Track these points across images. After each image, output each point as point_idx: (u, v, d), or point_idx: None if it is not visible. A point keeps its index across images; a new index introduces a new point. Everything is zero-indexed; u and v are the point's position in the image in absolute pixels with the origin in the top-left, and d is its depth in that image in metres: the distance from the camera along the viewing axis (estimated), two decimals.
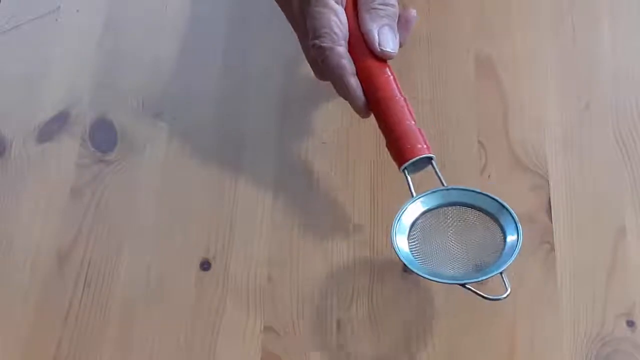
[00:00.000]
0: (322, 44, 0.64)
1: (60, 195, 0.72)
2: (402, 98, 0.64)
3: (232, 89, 0.76)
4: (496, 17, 0.75)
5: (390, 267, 0.67)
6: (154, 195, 0.71)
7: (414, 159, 0.62)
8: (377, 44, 0.65)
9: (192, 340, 0.65)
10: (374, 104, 0.64)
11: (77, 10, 0.81)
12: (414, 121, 0.63)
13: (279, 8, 0.69)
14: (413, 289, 0.66)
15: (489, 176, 0.70)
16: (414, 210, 0.62)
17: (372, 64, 0.65)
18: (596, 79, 0.74)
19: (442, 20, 0.78)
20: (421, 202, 0.62)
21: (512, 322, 0.64)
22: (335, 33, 0.64)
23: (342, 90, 0.65)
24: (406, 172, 0.63)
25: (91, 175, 0.72)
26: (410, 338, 0.64)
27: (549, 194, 0.69)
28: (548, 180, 0.69)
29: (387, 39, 0.65)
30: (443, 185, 0.63)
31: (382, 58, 0.65)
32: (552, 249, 0.67)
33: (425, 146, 0.63)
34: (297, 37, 0.68)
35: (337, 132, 0.73)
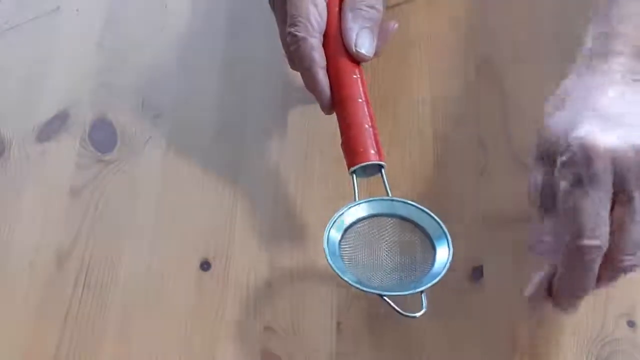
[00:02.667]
0: (297, 33, 0.64)
1: (60, 195, 0.72)
2: (365, 102, 0.64)
3: (232, 89, 0.76)
4: (496, 17, 0.75)
5: None
6: (153, 195, 0.71)
7: (363, 164, 0.62)
8: (353, 44, 0.65)
9: (192, 340, 0.65)
10: (337, 102, 0.65)
11: (77, 10, 0.81)
12: (373, 128, 0.63)
13: None
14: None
15: (488, 177, 0.69)
16: (354, 213, 0.62)
17: (344, 62, 0.65)
18: None
19: (443, 20, 0.78)
20: (363, 207, 0.62)
21: (512, 322, 0.64)
22: (311, 24, 0.64)
23: (309, 82, 0.65)
24: (354, 176, 0.63)
25: (91, 175, 0.72)
26: (409, 339, 0.64)
27: None
28: None
29: (364, 41, 0.65)
30: (388, 195, 0.63)
31: (355, 59, 0.65)
32: None
33: (375, 152, 0.63)
34: (275, 22, 0.68)
35: (337, 132, 0.73)
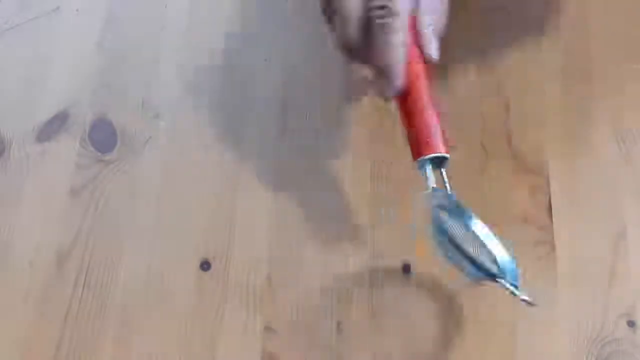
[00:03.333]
0: (392, 6, 0.62)
1: (60, 195, 0.72)
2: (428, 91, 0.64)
3: (232, 89, 0.76)
4: (496, 17, 0.75)
5: (390, 268, 0.67)
6: (154, 195, 0.71)
7: (432, 155, 0.61)
8: (428, 44, 0.64)
9: (192, 340, 0.65)
10: (406, 90, 0.63)
11: (77, 10, 0.81)
12: (438, 119, 0.63)
13: None
14: (413, 290, 0.66)
15: (488, 177, 0.69)
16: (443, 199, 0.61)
17: (414, 53, 0.64)
18: (596, 78, 0.74)
19: None
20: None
21: (512, 322, 0.64)
22: (407, 1, 0.63)
23: (391, 57, 0.62)
24: (427, 165, 0.62)
25: (91, 175, 0.72)
26: (409, 339, 0.64)
27: (549, 194, 0.69)
28: (548, 180, 0.69)
29: (435, 45, 0.65)
30: (447, 189, 0.62)
31: (426, 57, 0.64)
32: (552, 249, 0.67)
33: (443, 144, 0.62)
34: None
35: (337, 132, 0.73)
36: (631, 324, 0.63)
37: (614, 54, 0.75)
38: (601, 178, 0.69)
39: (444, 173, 0.62)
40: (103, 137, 0.74)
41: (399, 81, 0.62)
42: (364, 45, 0.63)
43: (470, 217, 0.59)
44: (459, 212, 0.60)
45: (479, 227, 0.59)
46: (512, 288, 0.57)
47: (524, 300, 0.57)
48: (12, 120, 0.76)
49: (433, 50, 0.64)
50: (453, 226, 0.60)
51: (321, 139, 0.73)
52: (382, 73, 0.63)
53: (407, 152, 0.71)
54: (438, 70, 0.72)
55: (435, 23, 0.65)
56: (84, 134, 0.74)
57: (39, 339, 0.66)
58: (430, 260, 0.67)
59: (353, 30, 0.63)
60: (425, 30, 0.64)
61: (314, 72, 0.76)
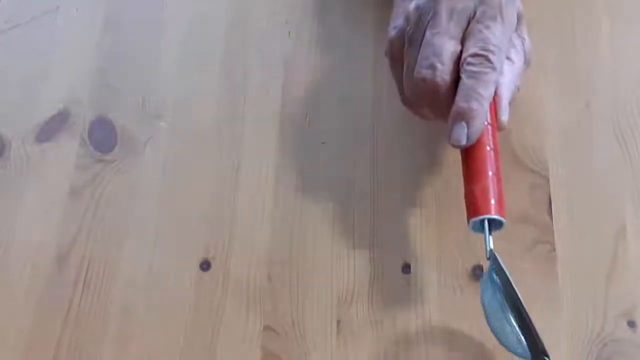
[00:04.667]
0: (493, 60, 0.62)
1: (60, 195, 0.71)
2: (494, 150, 0.63)
3: (232, 89, 0.75)
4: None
5: (390, 267, 0.67)
6: (154, 195, 0.71)
7: (483, 217, 0.60)
8: (503, 113, 0.65)
9: (192, 340, 0.65)
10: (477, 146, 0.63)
11: (77, 10, 0.81)
12: (498, 179, 0.62)
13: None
14: (413, 289, 0.66)
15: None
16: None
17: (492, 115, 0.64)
18: (596, 79, 0.74)
19: None
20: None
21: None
22: (503, 59, 0.64)
23: (473, 109, 0.61)
24: (486, 223, 0.61)
25: (91, 175, 0.72)
26: (409, 338, 0.64)
27: (549, 193, 0.69)
28: (548, 180, 0.69)
29: (507, 113, 0.65)
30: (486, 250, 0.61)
31: (500, 125, 0.65)
32: (552, 249, 0.67)
33: (496, 205, 0.61)
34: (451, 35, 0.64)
35: (337, 131, 0.73)
36: (631, 324, 0.63)
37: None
38: (601, 178, 0.69)
39: (491, 238, 0.61)
40: (103, 137, 0.74)
41: (477, 131, 0.62)
42: (449, 93, 0.62)
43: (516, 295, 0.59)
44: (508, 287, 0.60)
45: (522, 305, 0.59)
46: None
47: None
48: (12, 120, 0.75)
49: (506, 117, 0.65)
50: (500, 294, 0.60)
51: (322, 139, 0.72)
52: (463, 118, 0.62)
53: (407, 152, 0.71)
54: None
55: (512, 91, 0.66)
56: (84, 134, 0.74)
57: (39, 339, 0.66)
58: (430, 260, 0.67)
59: (446, 75, 0.62)
60: (505, 96, 0.65)
61: (314, 70, 0.76)
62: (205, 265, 0.68)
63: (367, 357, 0.64)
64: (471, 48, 0.62)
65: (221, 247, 0.68)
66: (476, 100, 0.61)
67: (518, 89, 0.67)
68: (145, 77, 0.77)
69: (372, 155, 0.71)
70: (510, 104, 0.66)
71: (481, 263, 0.66)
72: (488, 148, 0.62)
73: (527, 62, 0.68)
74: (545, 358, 0.59)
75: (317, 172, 0.71)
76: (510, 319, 0.60)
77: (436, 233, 0.68)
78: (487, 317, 0.60)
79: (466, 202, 0.62)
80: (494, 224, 0.61)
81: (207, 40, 0.78)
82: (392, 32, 0.66)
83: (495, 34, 0.62)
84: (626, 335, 0.63)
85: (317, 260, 0.68)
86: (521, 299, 0.59)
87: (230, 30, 0.78)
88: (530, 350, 0.59)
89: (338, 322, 0.65)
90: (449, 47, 0.62)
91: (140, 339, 0.65)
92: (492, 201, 0.61)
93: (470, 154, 0.63)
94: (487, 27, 0.63)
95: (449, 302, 0.65)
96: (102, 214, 0.70)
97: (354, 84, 0.75)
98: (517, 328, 0.59)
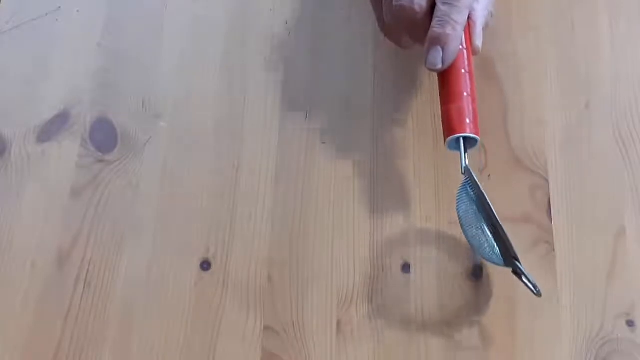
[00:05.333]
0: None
1: (61, 195, 0.72)
2: (468, 73, 0.67)
3: (232, 89, 0.76)
4: (496, 17, 0.75)
5: (390, 267, 0.67)
6: (154, 195, 0.71)
7: (458, 136, 0.64)
8: (477, 38, 0.68)
9: (192, 340, 0.65)
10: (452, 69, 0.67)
11: (77, 11, 0.81)
12: (473, 100, 0.66)
13: None
14: (413, 289, 0.66)
15: (489, 176, 0.69)
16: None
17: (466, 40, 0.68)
18: (596, 79, 0.74)
19: None
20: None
21: (512, 322, 0.64)
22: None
23: (448, 33, 0.65)
24: (461, 142, 0.64)
25: (91, 175, 0.72)
26: (409, 338, 0.64)
27: (549, 194, 0.69)
28: (548, 180, 0.69)
29: (481, 37, 0.68)
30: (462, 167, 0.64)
31: (474, 48, 0.68)
32: (552, 249, 0.67)
33: (471, 125, 0.65)
34: None
35: (337, 131, 0.73)
36: (630, 323, 0.63)
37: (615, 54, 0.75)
38: (601, 178, 0.69)
39: (466, 154, 0.64)
40: (103, 137, 0.74)
41: (452, 55, 0.65)
42: (426, 19, 0.66)
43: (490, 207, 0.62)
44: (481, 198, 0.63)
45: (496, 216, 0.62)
46: (528, 275, 0.61)
47: (534, 287, 0.61)
48: (13, 121, 0.75)
49: (480, 42, 0.68)
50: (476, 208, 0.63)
51: (322, 139, 0.72)
52: (439, 42, 0.65)
53: (407, 152, 0.72)
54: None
55: (486, 17, 0.69)
56: (85, 134, 0.74)
57: (39, 339, 0.66)
58: (430, 260, 0.67)
59: (423, 1, 0.65)
60: (479, 22, 0.68)
61: (314, 70, 0.76)
62: (205, 265, 0.68)
63: (367, 357, 0.64)
64: None
65: (221, 247, 0.69)
66: (450, 26, 0.65)
67: (492, 15, 0.70)
68: (146, 77, 0.77)
69: (372, 155, 0.71)
70: (483, 29, 0.69)
71: (481, 264, 0.66)
72: (463, 71, 0.66)
73: None
74: (516, 262, 0.61)
75: (317, 172, 0.71)
76: (484, 229, 0.62)
77: (436, 233, 0.68)
78: (462, 227, 0.63)
79: (442, 122, 0.66)
80: (469, 142, 0.65)
81: (207, 40, 0.78)
82: None
83: None
84: (625, 335, 0.63)
85: (317, 260, 0.68)
86: (493, 210, 0.61)
87: (230, 30, 0.78)
88: (502, 257, 0.62)
89: (338, 322, 0.65)
90: None
91: (140, 339, 0.65)
92: (467, 120, 0.64)
93: (446, 77, 0.66)
94: None
95: (449, 302, 0.65)
96: (103, 214, 0.71)
97: (354, 84, 0.75)
98: (491, 237, 0.62)
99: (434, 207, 0.69)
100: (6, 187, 0.72)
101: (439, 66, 0.65)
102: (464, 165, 0.64)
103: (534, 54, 0.74)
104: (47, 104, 0.76)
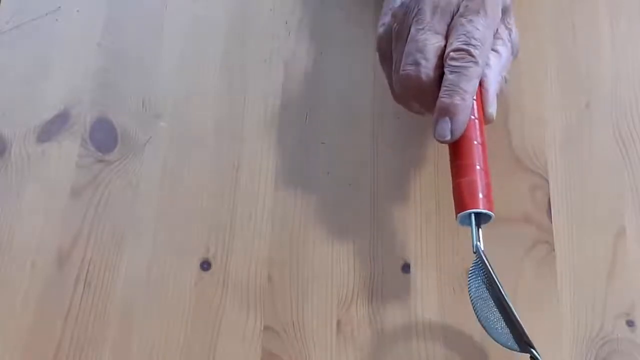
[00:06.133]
0: (476, 55, 0.62)
1: (61, 195, 0.72)
2: (481, 144, 0.63)
3: (232, 89, 0.76)
4: None
5: (390, 267, 0.67)
6: (154, 195, 0.71)
7: (471, 211, 0.60)
8: (490, 107, 0.65)
9: (192, 340, 0.65)
10: (463, 140, 0.63)
11: (77, 11, 0.81)
12: (486, 173, 0.62)
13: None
14: (413, 289, 0.66)
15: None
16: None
17: (478, 108, 0.64)
18: (596, 79, 0.74)
19: None
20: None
21: None
22: (487, 55, 0.64)
23: (456, 104, 0.61)
24: (472, 217, 0.61)
25: (91, 175, 0.72)
26: (410, 338, 0.64)
27: (549, 194, 0.69)
28: (548, 180, 0.69)
29: (495, 108, 0.65)
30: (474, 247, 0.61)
31: (487, 119, 0.65)
32: (552, 249, 0.67)
33: (484, 199, 0.61)
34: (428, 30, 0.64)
35: (337, 132, 0.73)
36: (630, 323, 0.63)
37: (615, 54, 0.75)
38: (601, 178, 0.69)
39: (480, 232, 0.61)
40: (103, 137, 0.74)
41: (462, 126, 0.62)
42: (434, 88, 0.63)
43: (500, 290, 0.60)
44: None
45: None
46: None
47: None
48: (13, 120, 0.75)
49: (493, 110, 0.65)
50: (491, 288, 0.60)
51: (322, 140, 0.72)
52: (447, 114, 0.62)
53: (407, 152, 0.71)
54: None
55: (499, 83, 0.66)
56: (85, 134, 0.74)
57: (39, 339, 0.66)
58: (430, 260, 0.67)
59: (430, 71, 0.62)
60: (491, 89, 0.64)
61: (315, 71, 0.76)
62: (205, 265, 0.68)
63: (367, 357, 0.64)
64: (454, 43, 0.62)
65: (221, 247, 0.69)
66: (459, 95, 0.61)
67: (505, 81, 0.68)
68: (146, 77, 0.77)
69: (372, 155, 0.71)
70: (497, 96, 0.66)
71: None
72: (475, 142, 0.62)
73: (514, 53, 0.68)
74: (532, 350, 0.59)
75: (317, 172, 0.71)
76: (495, 313, 0.60)
77: (436, 233, 0.68)
78: (474, 309, 0.60)
79: (454, 196, 0.62)
80: (483, 218, 0.61)
81: (207, 40, 0.78)
82: (380, 29, 0.67)
83: (478, 27, 0.62)
84: (625, 335, 0.63)
85: (317, 260, 0.68)
86: (504, 293, 0.59)
87: (230, 30, 0.78)
88: (516, 342, 0.60)
89: (338, 322, 0.65)
90: (433, 42, 0.63)
91: (140, 339, 0.65)
92: (480, 195, 0.61)
93: (456, 149, 0.63)
94: (470, 21, 0.63)
95: (449, 302, 0.65)
96: (103, 214, 0.71)
97: (354, 84, 0.75)
98: (503, 321, 0.60)
99: (434, 207, 0.69)
100: (6, 187, 0.72)
101: (448, 137, 0.62)
102: (475, 243, 0.60)
103: (534, 54, 0.74)
104: (47, 104, 0.76)
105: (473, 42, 0.62)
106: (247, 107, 0.75)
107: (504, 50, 0.66)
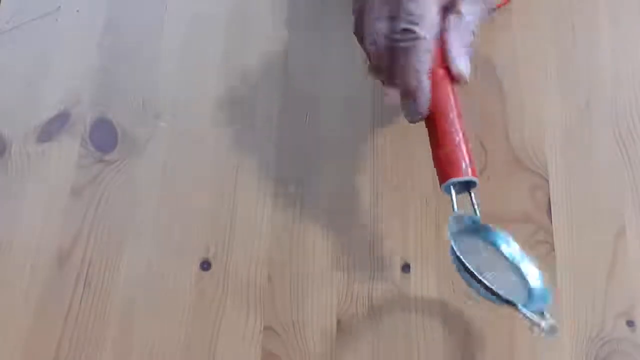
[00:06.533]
0: (417, 30, 0.61)
1: (61, 195, 0.72)
2: (457, 116, 0.63)
3: (232, 89, 0.76)
4: (496, 17, 0.75)
5: (390, 267, 0.67)
6: (154, 195, 0.71)
7: (457, 180, 0.61)
8: (457, 64, 0.64)
9: (192, 340, 0.65)
10: (430, 115, 0.63)
11: (77, 11, 0.81)
12: (466, 143, 0.62)
13: None
14: (413, 289, 0.66)
15: (488, 177, 0.69)
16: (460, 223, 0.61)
17: (441, 75, 0.63)
18: (596, 79, 0.74)
19: None
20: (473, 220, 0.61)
21: (512, 322, 0.64)
22: (432, 25, 0.62)
23: (412, 83, 0.62)
24: (451, 188, 0.61)
25: (91, 175, 0.73)
26: (409, 338, 0.64)
27: (549, 194, 0.69)
28: (548, 180, 0.69)
29: (466, 65, 0.64)
30: (475, 213, 0.61)
31: (456, 78, 0.64)
32: (552, 249, 0.67)
33: (468, 168, 0.61)
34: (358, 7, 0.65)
35: (337, 131, 0.73)
36: (630, 323, 0.63)
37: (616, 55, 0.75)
38: (601, 178, 0.69)
39: (472, 196, 0.62)
40: (103, 137, 0.74)
41: (423, 106, 0.62)
42: (391, 69, 0.63)
43: (502, 238, 0.60)
44: (488, 234, 0.61)
45: (513, 248, 0.60)
46: (530, 316, 0.56)
47: (544, 327, 0.56)
48: (13, 121, 0.76)
49: (462, 69, 0.64)
50: (475, 249, 0.60)
51: (322, 139, 0.73)
52: (408, 96, 0.63)
53: (407, 152, 0.72)
54: None
55: (464, 42, 0.65)
56: (85, 134, 0.74)
57: (39, 339, 0.66)
58: (430, 260, 0.67)
59: (380, 53, 0.63)
60: (452, 51, 0.64)
61: (314, 70, 0.76)
62: (205, 265, 0.68)
63: (367, 356, 0.64)
64: (398, 24, 0.62)
65: (221, 247, 0.69)
66: (412, 76, 0.62)
67: (473, 34, 0.65)
68: (146, 77, 0.77)
69: (372, 155, 0.71)
70: (468, 53, 0.64)
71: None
72: (451, 115, 0.62)
73: (490, 10, 0.67)
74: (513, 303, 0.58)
75: (317, 173, 0.71)
76: (471, 280, 0.59)
77: (436, 233, 0.68)
78: (457, 270, 0.59)
79: (435, 168, 0.62)
80: (471, 184, 0.62)
81: (207, 40, 0.78)
82: (354, 15, 0.67)
83: (418, 2, 0.62)
84: (625, 335, 0.63)
85: (317, 260, 0.68)
86: (473, 270, 0.58)
87: (230, 30, 0.78)
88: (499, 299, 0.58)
89: (338, 322, 0.65)
90: (381, 28, 0.63)
91: (140, 339, 0.65)
92: (463, 164, 0.61)
93: (430, 123, 0.63)
94: None
95: (449, 302, 0.65)
96: (103, 214, 0.71)
97: (354, 84, 0.75)
98: (480, 287, 0.59)
99: (434, 207, 0.69)
100: (6, 187, 0.72)
101: (416, 117, 0.63)
102: (455, 209, 0.61)
103: (534, 54, 0.74)
104: (47, 104, 0.76)
105: (411, 18, 0.62)
106: (247, 107, 0.75)
107: (469, 8, 0.64)
